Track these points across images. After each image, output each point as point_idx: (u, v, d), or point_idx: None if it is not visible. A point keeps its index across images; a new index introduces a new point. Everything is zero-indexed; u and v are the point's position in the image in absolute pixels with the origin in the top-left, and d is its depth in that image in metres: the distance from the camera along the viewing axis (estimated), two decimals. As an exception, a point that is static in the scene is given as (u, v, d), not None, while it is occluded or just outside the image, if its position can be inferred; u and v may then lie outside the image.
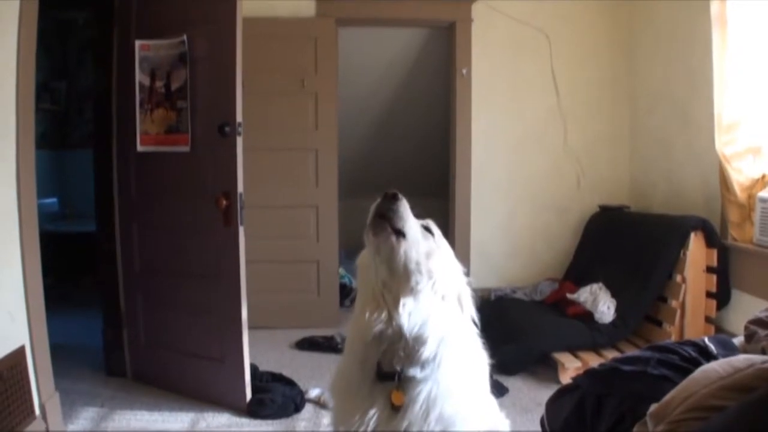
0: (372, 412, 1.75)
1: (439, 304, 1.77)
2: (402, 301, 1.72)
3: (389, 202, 1.73)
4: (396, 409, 1.74)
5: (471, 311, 1.89)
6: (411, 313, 1.72)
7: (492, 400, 2.00)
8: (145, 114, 3.67)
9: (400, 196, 1.73)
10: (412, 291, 1.73)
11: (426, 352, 1.72)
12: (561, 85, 5.56)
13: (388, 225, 1.70)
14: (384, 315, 1.72)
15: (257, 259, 4.40)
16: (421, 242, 1.77)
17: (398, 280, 1.73)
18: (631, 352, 2.69)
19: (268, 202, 5.14)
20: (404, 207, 1.74)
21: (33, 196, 2.93)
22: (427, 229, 1.85)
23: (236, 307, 3.46)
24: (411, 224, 1.74)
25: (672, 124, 4.92)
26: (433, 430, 1.72)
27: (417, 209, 1.78)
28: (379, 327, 1.72)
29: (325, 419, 3.43)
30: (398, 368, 1.75)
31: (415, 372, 1.74)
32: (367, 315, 1.74)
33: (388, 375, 1.77)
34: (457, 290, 1.85)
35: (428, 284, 1.75)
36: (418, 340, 1.72)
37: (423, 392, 1.73)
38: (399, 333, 1.72)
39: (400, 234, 1.71)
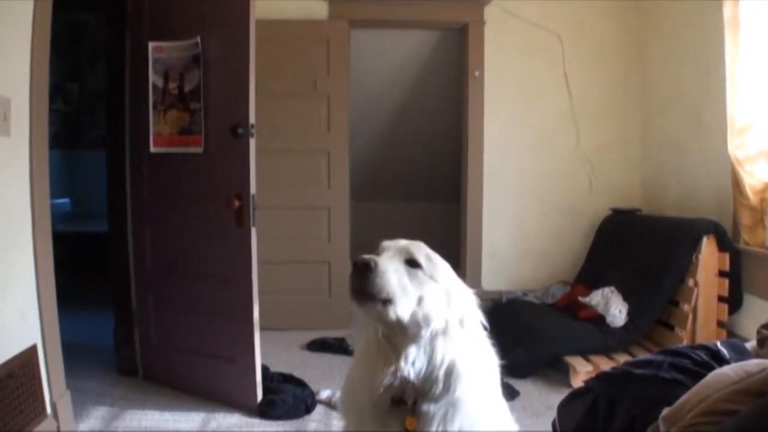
0: None
1: (441, 339, 1.71)
2: (404, 353, 1.69)
3: (363, 276, 1.59)
4: None
5: (479, 318, 1.81)
6: (414, 362, 1.69)
7: (504, 405, 1.98)
8: (158, 115, 3.69)
9: (373, 264, 1.59)
10: (414, 339, 1.69)
11: (437, 389, 1.69)
12: (573, 88, 5.54)
13: (370, 298, 1.61)
14: (392, 369, 1.69)
15: (269, 259, 4.41)
16: (411, 292, 1.65)
17: (396, 333, 1.70)
18: (643, 356, 2.68)
19: (280, 203, 5.15)
20: (380, 273, 1.60)
21: (46, 196, 2.95)
22: (413, 263, 1.71)
23: (248, 307, 3.46)
24: (393, 285, 1.62)
25: (684, 127, 4.90)
26: None
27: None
28: (387, 380, 1.69)
29: (336, 420, 3.44)
30: (410, 403, 1.73)
31: (428, 407, 1.71)
32: (375, 370, 1.72)
33: (401, 401, 1.74)
34: (458, 315, 1.76)
35: (427, 331, 1.69)
36: (427, 381, 1.70)
37: (437, 416, 1.71)
38: (406, 381, 1.70)
39: (387, 302, 1.62)
